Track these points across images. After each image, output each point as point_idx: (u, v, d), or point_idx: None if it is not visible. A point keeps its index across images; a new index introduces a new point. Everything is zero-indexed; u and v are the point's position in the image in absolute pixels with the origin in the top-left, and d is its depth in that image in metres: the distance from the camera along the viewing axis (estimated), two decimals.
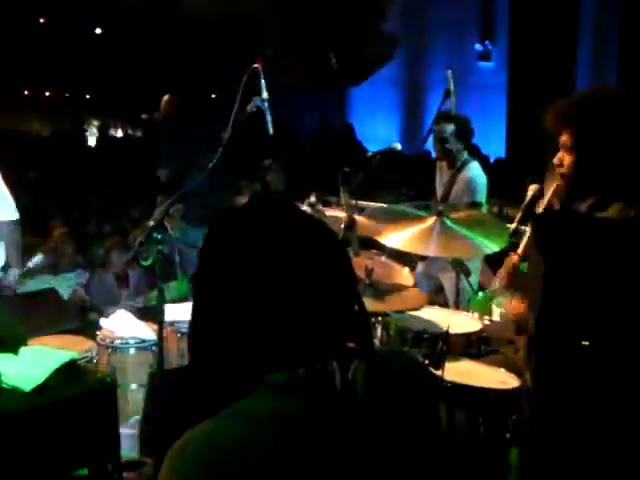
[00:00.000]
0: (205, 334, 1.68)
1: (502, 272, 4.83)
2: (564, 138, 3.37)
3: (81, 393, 3.88)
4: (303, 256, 1.62)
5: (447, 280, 6.43)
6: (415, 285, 5.43)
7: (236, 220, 1.69)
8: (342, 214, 5.02)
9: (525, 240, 4.05)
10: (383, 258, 5.44)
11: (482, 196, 6.74)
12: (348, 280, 1.69)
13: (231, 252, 1.64)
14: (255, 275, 1.60)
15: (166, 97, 8.66)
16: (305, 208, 4.67)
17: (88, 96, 20.85)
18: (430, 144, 7.20)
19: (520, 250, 4.13)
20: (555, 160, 3.46)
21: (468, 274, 5.80)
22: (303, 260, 1.61)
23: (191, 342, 1.71)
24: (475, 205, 6.63)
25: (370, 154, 5.90)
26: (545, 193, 3.90)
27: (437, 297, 6.48)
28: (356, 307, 1.68)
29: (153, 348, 4.90)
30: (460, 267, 5.65)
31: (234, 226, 1.68)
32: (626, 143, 3.25)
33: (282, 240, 1.63)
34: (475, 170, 6.81)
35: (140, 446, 4.54)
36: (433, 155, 13.62)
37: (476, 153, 7.09)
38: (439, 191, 6.98)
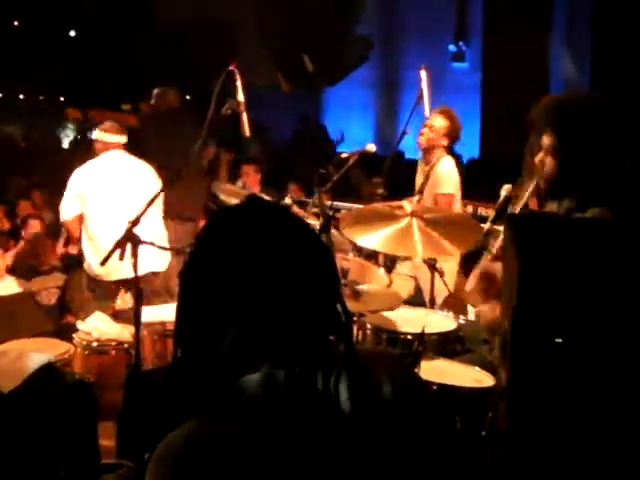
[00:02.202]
0: (189, 331, 1.69)
1: (475, 274, 4.87)
2: (546, 140, 3.39)
3: (59, 395, 3.89)
4: (289, 258, 1.64)
5: (423, 280, 6.46)
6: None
7: (226, 221, 1.71)
8: (314, 221, 5.05)
9: (499, 241, 4.09)
10: (359, 258, 5.46)
11: (450, 188, 6.79)
12: (332, 282, 1.71)
13: (219, 251, 1.66)
14: (242, 275, 1.62)
15: (158, 90, 8.55)
16: None
17: (62, 99, 20.76)
18: (405, 144, 7.25)
19: (494, 250, 4.17)
20: (536, 161, 3.49)
21: (442, 274, 5.83)
22: (289, 262, 1.63)
23: (175, 339, 1.72)
24: (447, 196, 6.70)
25: (345, 155, 5.92)
26: (521, 194, 3.94)
27: (416, 297, 6.50)
28: (339, 308, 1.70)
29: (130, 350, 4.90)
30: (434, 267, 5.68)
31: (224, 226, 1.70)
32: (607, 148, 3.29)
33: (270, 241, 1.65)
34: (446, 164, 6.88)
35: (117, 447, 4.55)
36: (407, 156, 13.67)
37: (451, 153, 7.14)
38: (417, 186, 7.04)
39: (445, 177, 6.81)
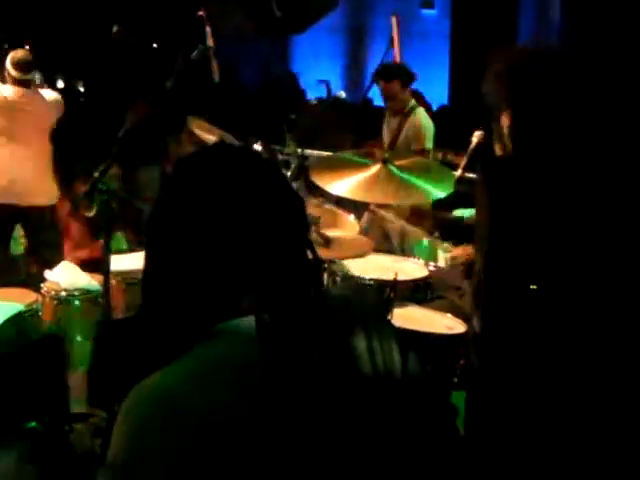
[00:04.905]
0: (157, 280, 1.67)
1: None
2: (504, 119, 3.20)
3: (28, 345, 3.86)
4: (258, 204, 1.61)
5: (393, 227, 6.47)
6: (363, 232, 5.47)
7: (193, 166, 1.68)
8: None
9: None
10: (329, 205, 5.44)
11: (430, 143, 6.82)
12: (301, 228, 1.69)
13: (186, 197, 1.63)
14: (209, 221, 1.59)
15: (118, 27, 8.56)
16: None
17: (28, 47, 20.53)
18: (374, 92, 7.24)
19: None
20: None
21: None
22: (257, 208, 1.61)
23: (143, 288, 1.70)
24: (425, 152, 6.71)
25: (314, 102, 5.90)
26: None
27: (384, 244, 6.51)
28: (309, 255, 1.68)
29: (99, 299, 4.87)
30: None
31: (190, 171, 1.67)
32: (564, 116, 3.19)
33: (238, 187, 1.62)
34: (423, 117, 6.89)
35: (88, 396, 4.53)
36: (376, 103, 13.61)
37: (421, 101, 7.15)
38: (386, 138, 7.03)
39: (421, 132, 6.83)
